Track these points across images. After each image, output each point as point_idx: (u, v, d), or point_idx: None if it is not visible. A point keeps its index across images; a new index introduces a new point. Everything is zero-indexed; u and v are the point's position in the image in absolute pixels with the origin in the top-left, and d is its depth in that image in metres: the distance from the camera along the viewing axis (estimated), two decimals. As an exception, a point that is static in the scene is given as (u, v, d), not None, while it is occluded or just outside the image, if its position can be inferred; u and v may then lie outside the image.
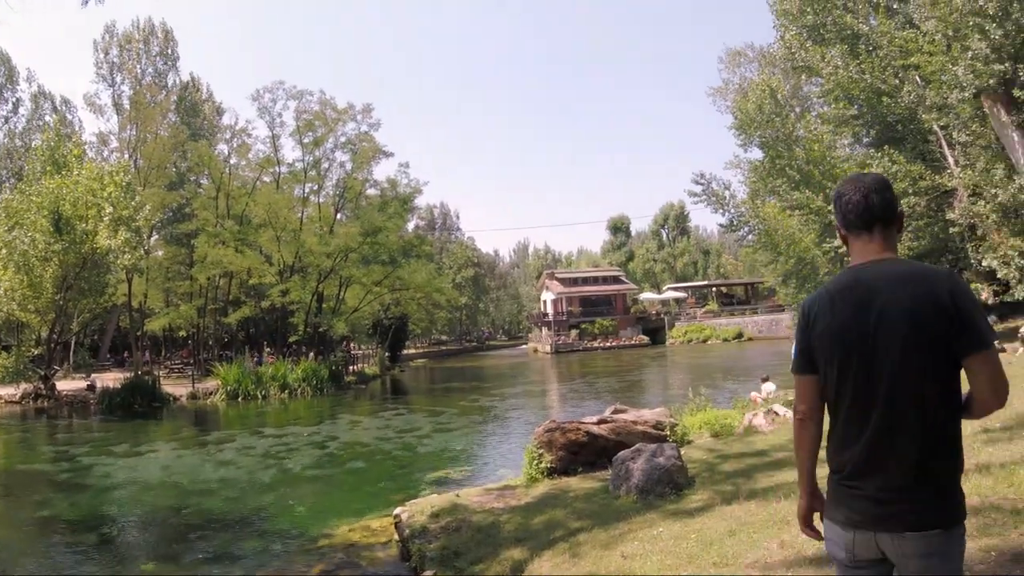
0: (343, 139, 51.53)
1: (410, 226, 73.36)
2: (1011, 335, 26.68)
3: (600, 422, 14.06)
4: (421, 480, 17.43)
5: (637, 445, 11.90)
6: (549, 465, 13.20)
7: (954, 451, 2.82)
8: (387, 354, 63.19)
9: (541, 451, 13.35)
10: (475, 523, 10.61)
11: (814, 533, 3.17)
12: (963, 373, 2.87)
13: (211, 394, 39.75)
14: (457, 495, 12.40)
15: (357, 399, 40.81)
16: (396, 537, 11.58)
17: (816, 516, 3.14)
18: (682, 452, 12.77)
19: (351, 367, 53.17)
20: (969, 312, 2.80)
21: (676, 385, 34.24)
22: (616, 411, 15.41)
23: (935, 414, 2.77)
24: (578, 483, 12.44)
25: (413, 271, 52.94)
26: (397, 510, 11.90)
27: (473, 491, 12.92)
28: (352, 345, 64.03)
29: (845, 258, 40.58)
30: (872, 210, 2.97)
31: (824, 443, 3.07)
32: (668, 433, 14.37)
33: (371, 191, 54.99)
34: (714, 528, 7.93)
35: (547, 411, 30.85)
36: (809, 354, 3.03)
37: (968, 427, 10.71)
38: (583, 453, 13.50)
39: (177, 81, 64.19)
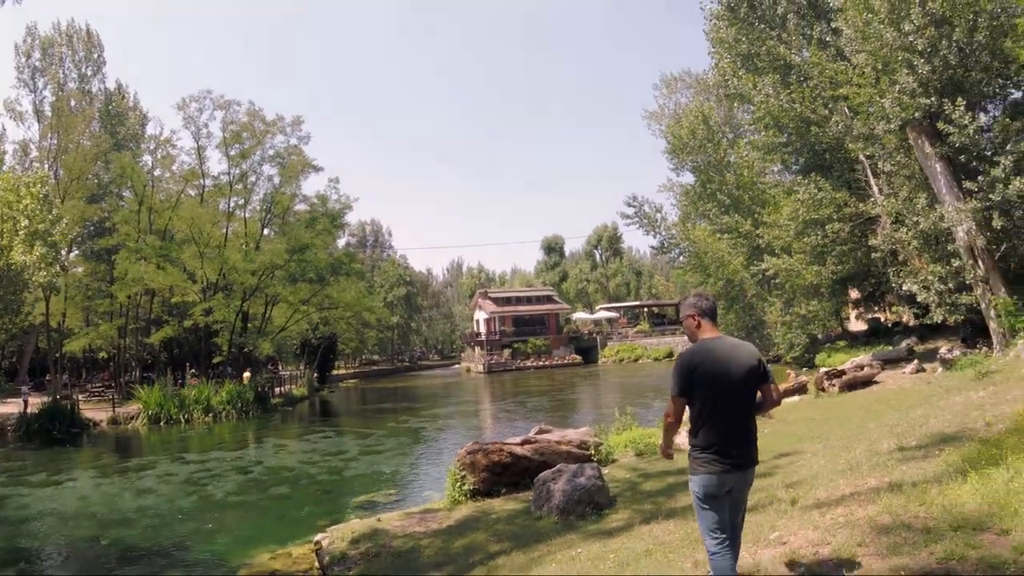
0: (271, 152, 50.48)
1: (340, 243, 72.43)
2: (931, 356, 27.32)
3: (524, 443, 13.98)
4: (346, 505, 17.17)
5: (559, 466, 11.92)
6: (472, 487, 13.10)
7: (755, 428, 5.43)
8: (315, 375, 62.20)
9: (464, 473, 13.22)
10: (395, 548, 10.48)
11: (669, 455, 5.99)
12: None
13: (132, 418, 38.41)
14: (379, 519, 12.22)
15: (284, 422, 40.04)
16: (316, 565, 11.36)
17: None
18: (605, 471, 12.88)
19: (278, 389, 51.92)
20: (765, 364, 5.34)
21: (606, 404, 34.33)
22: (541, 431, 15.42)
23: (752, 413, 5.39)
24: (501, 505, 12.40)
25: (342, 289, 52.14)
26: (318, 537, 11.71)
27: (395, 515, 12.74)
28: (279, 366, 62.91)
29: (773, 280, 41.49)
30: (714, 311, 5.58)
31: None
32: (592, 452, 14.43)
33: (300, 206, 54.10)
34: (632, 548, 7.98)
35: (477, 432, 30.73)
36: (688, 387, 5.23)
37: (884, 445, 10.99)
38: (506, 474, 13.39)
39: (103, 88, 61.49)
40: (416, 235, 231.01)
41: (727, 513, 5.25)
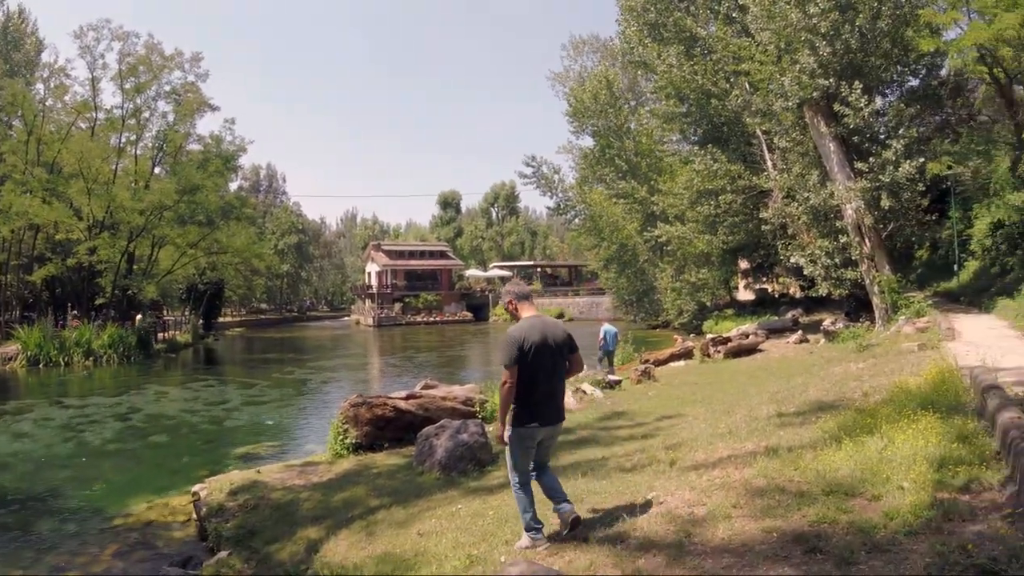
0: (167, 88, 48.56)
1: (233, 186, 69.93)
2: (815, 327, 28.26)
3: (408, 397, 13.89)
4: (227, 456, 16.83)
5: (442, 421, 11.87)
6: (355, 440, 12.94)
7: (563, 390, 6.77)
8: (201, 321, 60.41)
9: (347, 426, 13.03)
10: (274, 501, 10.29)
11: (503, 441, 6.53)
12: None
13: (11, 359, 36.88)
14: (258, 472, 11.97)
15: (167, 369, 38.93)
16: (195, 516, 11.12)
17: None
18: (489, 429, 12.76)
19: (161, 334, 50.14)
20: (572, 338, 6.65)
21: (496, 361, 34.41)
22: (427, 386, 15.34)
23: (563, 378, 6.71)
24: (383, 459, 12.29)
25: (232, 234, 50.89)
26: (196, 487, 11.44)
27: (275, 468, 12.50)
28: (164, 310, 60.97)
29: (666, 247, 42.22)
30: (529, 295, 6.78)
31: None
32: (477, 409, 14.36)
33: (193, 146, 52.35)
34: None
35: (364, 385, 30.44)
36: (521, 356, 6.27)
37: (764, 411, 11.20)
38: (390, 428, 13.26)
39: (3, 10, 58.30)
40: (312, 183, 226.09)
41: (535, 456, 6.61)
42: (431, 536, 7.53)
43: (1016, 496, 5.53)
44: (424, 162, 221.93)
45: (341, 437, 13.00)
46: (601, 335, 23.57)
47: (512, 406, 6.38)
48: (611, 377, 20.07)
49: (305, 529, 8.97)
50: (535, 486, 6.60)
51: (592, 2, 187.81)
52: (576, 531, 6.35)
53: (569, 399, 16.55)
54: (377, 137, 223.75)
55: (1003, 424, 6.78)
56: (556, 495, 6.60)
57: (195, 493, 11.29)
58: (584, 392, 17.23)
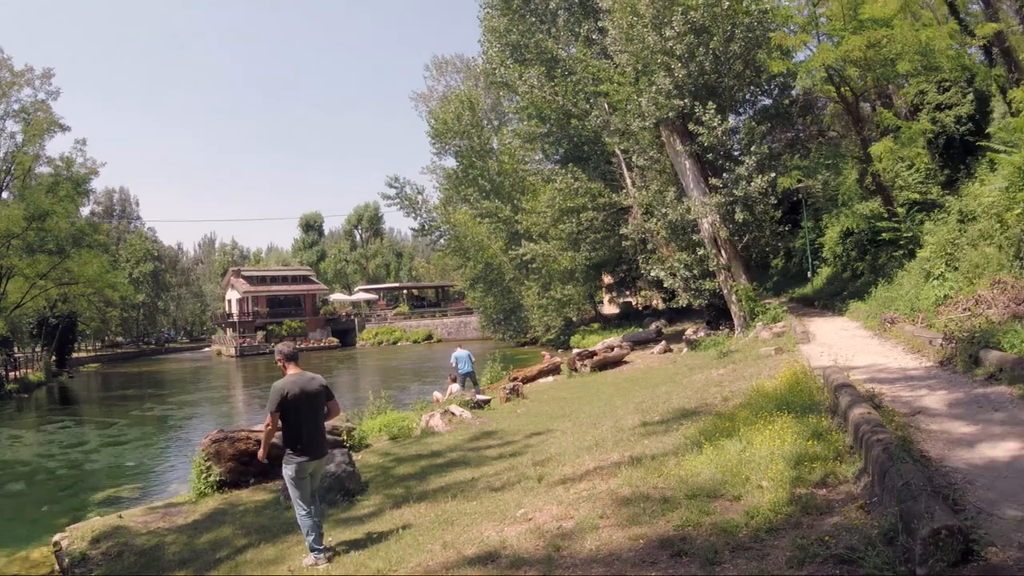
0: (16, 106, 46.04)
1: (84, 211, 66.78)
2: (678, 337, 29.12)
3: None
4: (88, 501, 16.04)
5: None
6: (219, 478, 12.34)
7: (324, 429, 8.29)
8: (54, 358, 57.46)
9: (209, 463, 12.41)
10: (138, 547, 9.83)
11: (263, 458, 8.33)
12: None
13: None
14: (120, 516, 11.35)
15: (19, 410, 36.94)
16: (57, 567, 10.49)
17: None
18: (358, 457, 12.66)
19: (12, 373, 47.35)
20: (329, 388, 8.14)
21: (364, 387, 33.99)
22: None
23: (323, 421, 8.18)
24: (249, 496, 11.88)
25: (84, 263, 48.47)
26: (57, 537, 10.74)
27: (138, 511, 11.86)
28: (14, 347, 57.67)
29: (531, 265, 42.65)
30: (296, 355, 8.21)
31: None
32: (344, 438, 14.09)
33: (42, 168, 49.72)
34: (382, 533, 8.00)
35: (228, 419, 29.50)
36: (283, 404, 7.68)
37: (629, 421, 11.38)
38: (255, 463, 12.67)
39: None
40: (168, 207, 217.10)
41: (310, 487, 7.90)
42: (304, 572, 7.46)
43: (870, 487, 5.78)
44: (285, 184, 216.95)
45: (204, 475, 12.38)
46: (452, 361, 23.58)
47: (287, 450, 7.85)
48: (479, 397, 20.02)
49: (172, 574, 8.64)
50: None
51: (459, 22, 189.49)
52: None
53: (437, 421, 16.56)
54: (235, 159, 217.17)
55: (854, 419, 7.09)
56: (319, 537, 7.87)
57: (56, 543, 10.63)
58: (453, 414, 17.08)
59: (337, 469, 10.87)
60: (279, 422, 7.83)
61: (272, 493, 11.62)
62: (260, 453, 8.30)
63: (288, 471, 7.81)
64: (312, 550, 7.69)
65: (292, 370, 8.01)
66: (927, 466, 6.17)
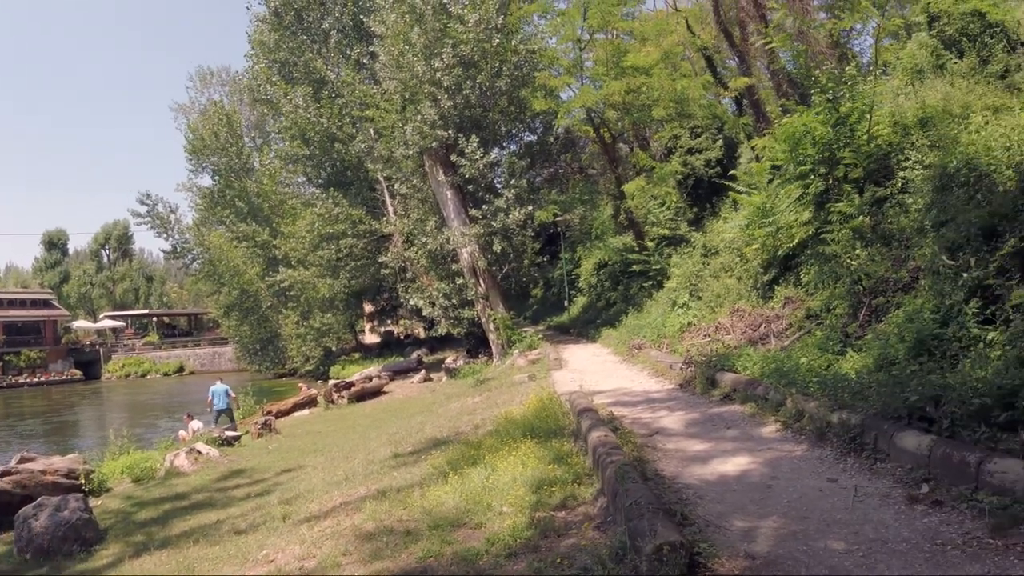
0: None
1: None
2: (438, 366, 29.49)
3: (2, 474, 12.42)
4: None
5: (40, 499, 10.72)
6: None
7: None
8: None
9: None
10: None
11: None
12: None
13: None
14: None
15: None
16: None
17: None
18: (98, 502, 12.01)
19: None
20: None
21: (109, 425, 31.66)
22: (23, 459, 13.81)
23: None
24: None
25: None
26: None
27: None
28: None
29: (289, 292, 41.64)
30: None
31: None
32: (83, 481, 13.17)
33: None
34: None
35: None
36: None
37: (381, 453, 11.35)
38: None
39: None
40: None
41: None
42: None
43: (606, 507, 5.97)
44: (28, 196, 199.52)
45: None
46: (209, 396, 22.71)
47: None
48: (228, 433, 19.23)
49: None
50: None
51: (229, 30, 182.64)
52: None
53: (183, 460, 15.92)
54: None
55: (592, 442, 7.35)
56: None
57: None
58: (200, 452, 16.30)
59: (72, 516, 10.14)
60: None
61: (6, 544, 10.70)
62: None
63: None
64: None
65: None
66: (660, 484, 6.51)
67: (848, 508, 5.49)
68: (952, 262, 8.87)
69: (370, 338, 51.67)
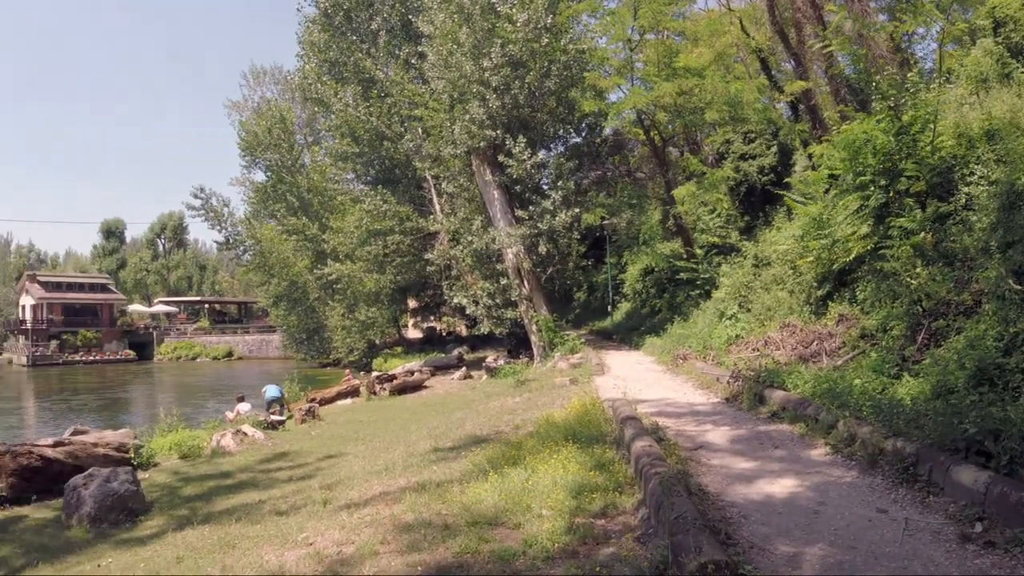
0: None
1: None
2: (479, 364, 29.43)
3: (56, 444, 12.69)
4: None
5: (91, 470, 10.88)
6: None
7: None
8: None
9: (-11, 479, 11.64)
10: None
11: None
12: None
13: None
14: None
15: None
16: None
17: None
18: (145, 476, 12.18)
19: None
20: None
21: (159, 404, 32.15)
22: (76, 432, 14.24)
23: None
24: (32, 513, 11.23)
25: None
26: None
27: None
28: None
29: (336, 285, 41.89)
30: None
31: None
32: (132, 455, 13.44)
33: None
34: (163, 556, 7.50)
35: (16, 432, 27.09)
36: None
37: (421, 446, 11.29)
38: (38, 479, 12.09)
39: None
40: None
41: None
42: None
43: (647, 519, 5.84)
44: (87, 187, 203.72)
45: (-16, 491, 11.58)
46: (263, 392, 23.04)
47: None
48: (273, 418, 19.48)
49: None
50: None
51: (279, 31, 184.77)
52: None
53: (229, 441, 16.15)
54: (30, 159, 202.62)
55: (636, 452, 7.21)
56: None
57: None
58: (245, 434, 16.54)
59: (120, 488, 10.34)
60: None
61: (55, 510, 10.94)
62: None
63: None
64: None
65: None
66: (704, 500, 6.35)
67: (897, 541, 5.30)
68: (1019, 287, 8.52)
69: (413, 333, 51.94)
